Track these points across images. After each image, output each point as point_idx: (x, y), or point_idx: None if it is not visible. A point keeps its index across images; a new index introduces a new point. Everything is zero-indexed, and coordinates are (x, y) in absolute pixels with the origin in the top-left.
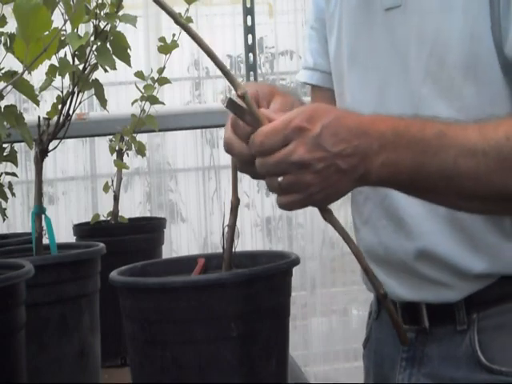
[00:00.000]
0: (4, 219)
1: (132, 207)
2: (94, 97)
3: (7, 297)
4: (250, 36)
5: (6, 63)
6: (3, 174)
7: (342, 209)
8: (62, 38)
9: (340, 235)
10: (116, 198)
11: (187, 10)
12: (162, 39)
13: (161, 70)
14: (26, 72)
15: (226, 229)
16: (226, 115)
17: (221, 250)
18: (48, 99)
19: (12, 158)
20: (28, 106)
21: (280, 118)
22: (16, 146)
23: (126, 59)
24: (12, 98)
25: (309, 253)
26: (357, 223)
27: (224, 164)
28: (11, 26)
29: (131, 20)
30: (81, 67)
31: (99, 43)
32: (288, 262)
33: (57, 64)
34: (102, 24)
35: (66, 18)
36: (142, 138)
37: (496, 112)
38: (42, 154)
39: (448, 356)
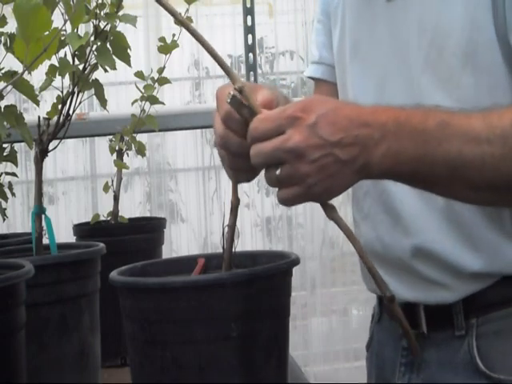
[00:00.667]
0: (4, 219)
1: (132, 207)
2: (94, 97)
3: (7, 297)
4: (249, 36)
5: (6, 63)
6: (3, 174)
7: (342, 207)
8: (62, 38)
9: (344, 233)
10: (116, 198)
11: (187, 10)
12: (162, 39)
13: (161, 70)
14: (26, 72)
15: (226, 229)
16: None
17: (221, 250)
18: (48, 99)
19: (12, 157)
20: (28, 106)
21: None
22: (16, 146)
23: (126, 59)
24: (12, 98)
25: (309, 253)
26: (357, 218)
27: None
28: (11, 26)
29: (131, 20)
30: (81, 67)
31: (99, 43)
32: (288, 262)
33: (57, 64)
34: (102, 24)
35: (66, 17)
36: (142, 138)
37: (495, 102)
38: (42, 154)
39: (446, 362)
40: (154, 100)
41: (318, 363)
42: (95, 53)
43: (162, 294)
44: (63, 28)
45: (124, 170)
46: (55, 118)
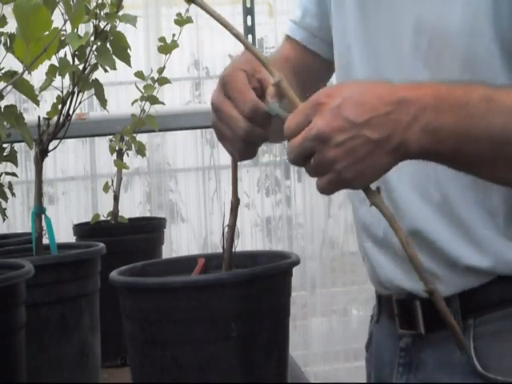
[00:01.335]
0: (4, 219)
1: (132, 207)
2: (94, 97)
3: (7, 297)
4: (250, 36)
5: (6, 63)
6: (3, 174)
7: (342, 208)
8: (62, 38)
9: (387, 220)
10: (116, 198)
11: (187, 10)
12: (162, 39)
13: (161, 70)
14: (26, 72)
15: (226, 229)
16: None
17: (221, 250)
18: (48, 99)
19: (12, 157)
20: (28, 106)
21: None
22: (16, 146)
23: (126, 59)
24: (12, 98)
25: (309, 253)
26: (355, 202)
27: (224, 164)
28: (11, 26)
29: (131, 20)
30: (81, 67)
31: (99, 43)
32: (288, 262)
33: (57, 64)
34: (102, 24)
35: (66, 17)
36: (142, 138)
37: None
38: (42, 154)
39: (443, 362)
40: (153, 100)
41: (317, 363)
42: (95, 53)
43: (162, 294)
44: (63, 28)
45: (124, 170)
46: (55, 118)
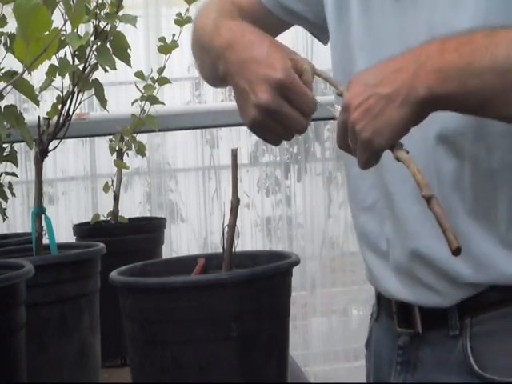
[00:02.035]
0: (4, 219)
1: (132, 207)
2: (94, 97)
3: (7, 297)
4: None
5: (6, 63)
6: (3, 174)
7: (342, 208)
8: (62, 38)
9: (413, 177)
10: (116, 198)
11: (187, 10)
12: (162, 39)
13: (161, 70)
14: (26, 72)
15: (226, 229)
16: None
17: (221, 250)
18: (48, 99)
19: (12, 157)
20: (28, 106)
21: None
22: (16, 146)
23: (126, 59)
24: (12, 98)
25: (309, 253)
26: (354, 209)
27: (224, 164)
28: (11, 26)
29: (131, 20)
30: (81, 67)
31: (99, 43)
32: (288, 262)
33: (57, 64)
34: (102, 24)
35: (66, 17)
36: (142, 138)
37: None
38: (42, 154)
39: (440, 362)
40: (153, 100)
41: (318, 363)
42: (95, 53)
43: (162, 294)
44: (63, 28)
45: (124, 170)
46: (55, 118)
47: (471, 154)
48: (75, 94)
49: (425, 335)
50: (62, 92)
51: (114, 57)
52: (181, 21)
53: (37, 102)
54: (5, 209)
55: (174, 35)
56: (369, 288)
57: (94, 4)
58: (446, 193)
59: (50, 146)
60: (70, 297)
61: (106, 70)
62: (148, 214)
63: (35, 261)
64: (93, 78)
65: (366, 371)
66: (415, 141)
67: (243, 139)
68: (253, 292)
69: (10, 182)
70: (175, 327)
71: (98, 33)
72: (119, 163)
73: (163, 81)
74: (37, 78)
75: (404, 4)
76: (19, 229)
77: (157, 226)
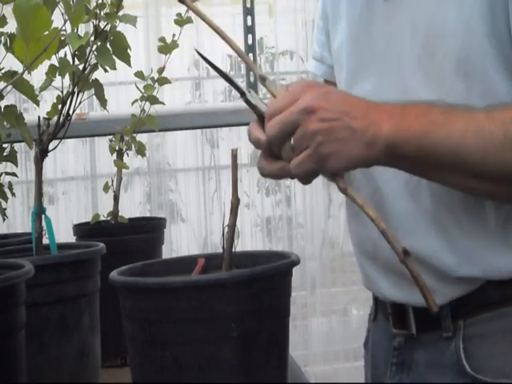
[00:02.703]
0: (4, 219)
1: (132, 207)
2: (94, 97)
3: (7, 297)
4: (250, 36)
5: (6, 63)
6: (3, 174)
7: (342, 208)
8: (62, 38)
9: (359, 206)
10: (116, 198)
11: (187, 10)
12: (162, 39)
13: (161, 70)
14: (26, 72)
15: (226, 229)
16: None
17: (221, 250)
18: (48, 99)
19: (12, 157)
20: (28, 106)
21: None
22: (16, 146)
23: (126, 59)
24: (12, 98)
25: (309, 253)
26: (348, 215)
27: (224, 164)
28: (11, 26)
29: (131, 20)
30: (81, 67)
31: (99, 43)
32: (288, 262)
33: (57, 64)
34: (102, 24)
35: (66, 17)
36: (142, 138)
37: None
38: (42, 154)
39: (433, 363)
40: (153, 100)
41: (318, 363)
42: (95, 53)
43: (162, 294)
44: (63, 28)
45: (124, 170)
46: (55, 118)
47: None
48: (75, 94)
49: (419, 337)
50: (62, 92)
51: (114, 57)
52: (181, 21)
53: (37, 102)
54: (5, 209)
55: (174, 35)
56: None
57: (93, 4)
58: (434, 186)
59: (50, 146)
60: (70, 297)
61: (106, 70)
62: (148, 214)
63: (35, 261)
64: (93, 78)
65: (365, 371)
66: None
67: (243, 139)
68: (253, 292)
69: (10, 182)
70: (175, 327)
71: (98, 33)
72: (119, 163)
73: (163, 81)
74: (37, 78)
75: (392, 4)
76: (19, 229)
77: (157, 226)
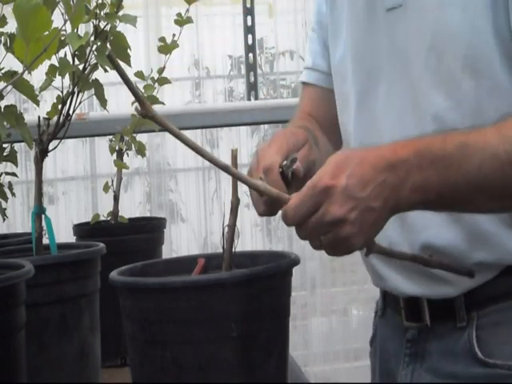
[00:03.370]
0: (4, 219)
1: (132, 207)
2: (94, 97)
3: (7, 297)
4: (250, 36)
5: (6, 63)
6: (3, 174)
7: None
8: (62, 38)
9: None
10: (116, 198)
11: (187, 10)
12: (162, 39)
13: (161, 70)
14: (26, 72)
15: (226, 229)
16: (226, 115)
17: (221, 250)
18: (48, 99)
19: (12, 157)
20: (28, 106)
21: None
22: (16, 145)
23: (126, 59)
24: (12, 98)
25: (309, 253)
26: None
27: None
28: (11, 26)
29: (131, 20)
30: (81, 67)
31: (99, 43)
32: (288, 262)
33: (57, 64)
34: (102, 24)
35: (66, 17)
36: (142, 138)
37: (494, 105)
38: (42, 154)
39: (447, 351)
40: (153, 100)
41: (318, 363)
42: (95, 53)
43: (162, 294)
44: (63, 28)
45: (124, 170)
46: (55, 118)
47: None
48: (75, 94)
49: (433, 328)
50: (62, 92)
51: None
52: (181, 21)
53: (37, 102)
54: (5, 209)
55: (174, 35)
56: (369, 288)
57: (93, 4)
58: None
59: (50, 146)
60: (70, 297)
61: (106, 70)
62: (148, 214)
63: (35, 261)
64: (93, 77)
65: (371, 367)
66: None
67: (243, 139)
68: (253, 292)
69: (10, 182)
70: (175, 327)
71: (98, 33)
72: (119, 163)
73: (163, 81)
74: (37, 77)
75: (395, 13)
76: (19, 229)
77: (157, 226)
